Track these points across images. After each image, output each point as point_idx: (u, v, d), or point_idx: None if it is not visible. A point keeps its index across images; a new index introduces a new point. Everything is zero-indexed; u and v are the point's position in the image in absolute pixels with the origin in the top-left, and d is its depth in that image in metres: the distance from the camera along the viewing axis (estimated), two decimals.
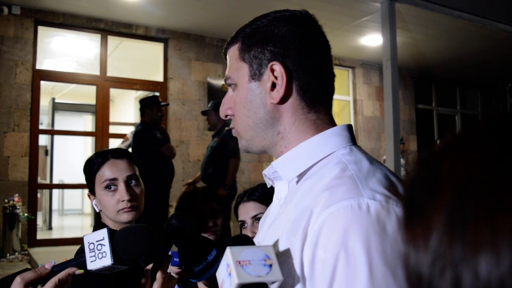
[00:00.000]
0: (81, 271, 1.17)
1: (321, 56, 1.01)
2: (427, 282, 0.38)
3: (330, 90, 1.03)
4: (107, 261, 1.12)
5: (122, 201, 1.72)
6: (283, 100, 0.97)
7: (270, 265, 0.79)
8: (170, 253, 1.27)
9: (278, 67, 0.96)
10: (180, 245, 0.95)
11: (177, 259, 1.17)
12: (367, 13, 7.06)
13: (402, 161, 7.50)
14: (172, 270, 1.61)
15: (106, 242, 1.13)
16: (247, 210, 1.93)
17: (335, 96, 1.07)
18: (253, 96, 0.99)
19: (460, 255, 0.36)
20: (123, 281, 1.57)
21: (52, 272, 1.17)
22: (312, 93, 0.99)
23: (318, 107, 1.00)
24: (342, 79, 9.84)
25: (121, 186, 1.74)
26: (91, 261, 1.13)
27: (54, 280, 1.14)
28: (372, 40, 8.39)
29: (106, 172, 1.76)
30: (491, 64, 9.88)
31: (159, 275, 1.25)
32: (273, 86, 0.97)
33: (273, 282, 0.79)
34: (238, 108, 1.02)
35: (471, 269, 0.35)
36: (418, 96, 10.90)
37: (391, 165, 5.21)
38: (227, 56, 1.07)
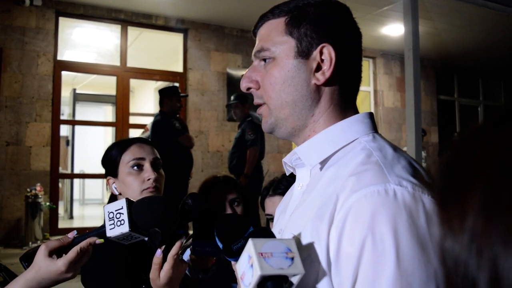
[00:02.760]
0: (102, 240, 1.24)
1: (360, 47, 1.03)
2: (463, 263, 0.37)
3: (360, 81, 1.05)
4: (125, 228, 1.19)
5: (148, 179, 1.75)
6: (326, 83, 0.97)
7: (292, 258, 0.77)
8: (190, 241, 1.27)
9: (327, 50, 0.95)
10: (217, 222, 0.95)
11: (199, 248, 1.17)
12: (389, 2, 6.96)
13: (424, 153, 7.42)
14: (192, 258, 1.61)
15: (124, 211, 1.20)
16: (273, 205, 1.92)
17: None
18: (296, 73, 0.97)
19: (498, 235, 0.35)
20: (135, 261, 1.60)
21: (74, 242, 1.25)
22: (349, 81, 1.01)
23: (349, 95, 1.02)
24: (363, 69, 9.69)
25: (148, 166, 1.77)
26: (110, 229, 1.20)
27: (76, 248, 1.22)
28: (394, 29, 8.28)
29: (135, 151, 1.79)
30: None
31: (170, 256, 1.27)
32: (317, 67, 0.96)
33: (294, 275, 0.77)
34: (274, 83, 0.98)
35: (509, 249, 0.34)
36: (439, 87, 10.75)
37: (413, 157, 5.13)
38: (262, 28, 1.03)
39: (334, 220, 0.82)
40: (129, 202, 1.24)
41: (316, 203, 0.89)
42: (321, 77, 0.96)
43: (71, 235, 1.27)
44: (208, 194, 2.14)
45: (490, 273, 0.35)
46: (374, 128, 0.99)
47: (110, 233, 1.20)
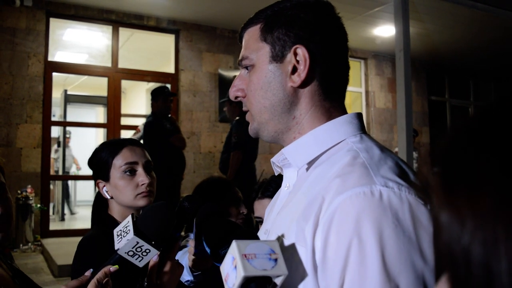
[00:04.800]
0: (116, 267, 1.21)
1: (342, 45, 1.02)
2: (477, 257, 0.34)
3: (345, 80, 1.04)
4: (130, 235, 1.17)
5: (142, 184, 1.73)
6: (303, 84, 0.97)
7: (275, 259, 0.78)
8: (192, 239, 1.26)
9: (301, 51, 0.95)
10: (205, 227, 0.94)
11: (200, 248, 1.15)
12: (380, 3, 6.99)
13: (415, 154, 7.45)
14: (190, 258, 1.60)
15: (130, 223, 1.19)
16: (263, 207, 1.92)
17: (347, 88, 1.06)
18: (272, 77, 0.98)
19: None
20: (127, 267, 1.58)
21: (91, 278, 1.21)
22: (331, 80, 0.99)
23: (333, 95, 1.00)
24: (354, 70, 9.77)
25: (141, 170, 1.75)
26: (118, 242, 1.19)
27: (93, 281, 1.18)
28: (385, 30, 8.31)
29: (127, 155, 1.76)
30: (505, 55, 9.71)
31: (167, 260, 1.25)
32: (294, 69, 0.96)
33: (278, 276, 0.78)
34: (254, 89, 1.01)
35: None
36: (430, 88, 10.81)
37: (403, 157, 5.16)
38: (244, 37, 1.05)
39: (319, 222, 0.82)
40: (134, 216, 1.24)
41: (301, 203, 0.89)
42: (297, 79, 0.96)
43: (88, 273, 1.24)
44: (226, 193, 2.15)
45: (509, 264, 0.33)
46: (362, 128, 0.99)
47: (118, 245, 1.19)
